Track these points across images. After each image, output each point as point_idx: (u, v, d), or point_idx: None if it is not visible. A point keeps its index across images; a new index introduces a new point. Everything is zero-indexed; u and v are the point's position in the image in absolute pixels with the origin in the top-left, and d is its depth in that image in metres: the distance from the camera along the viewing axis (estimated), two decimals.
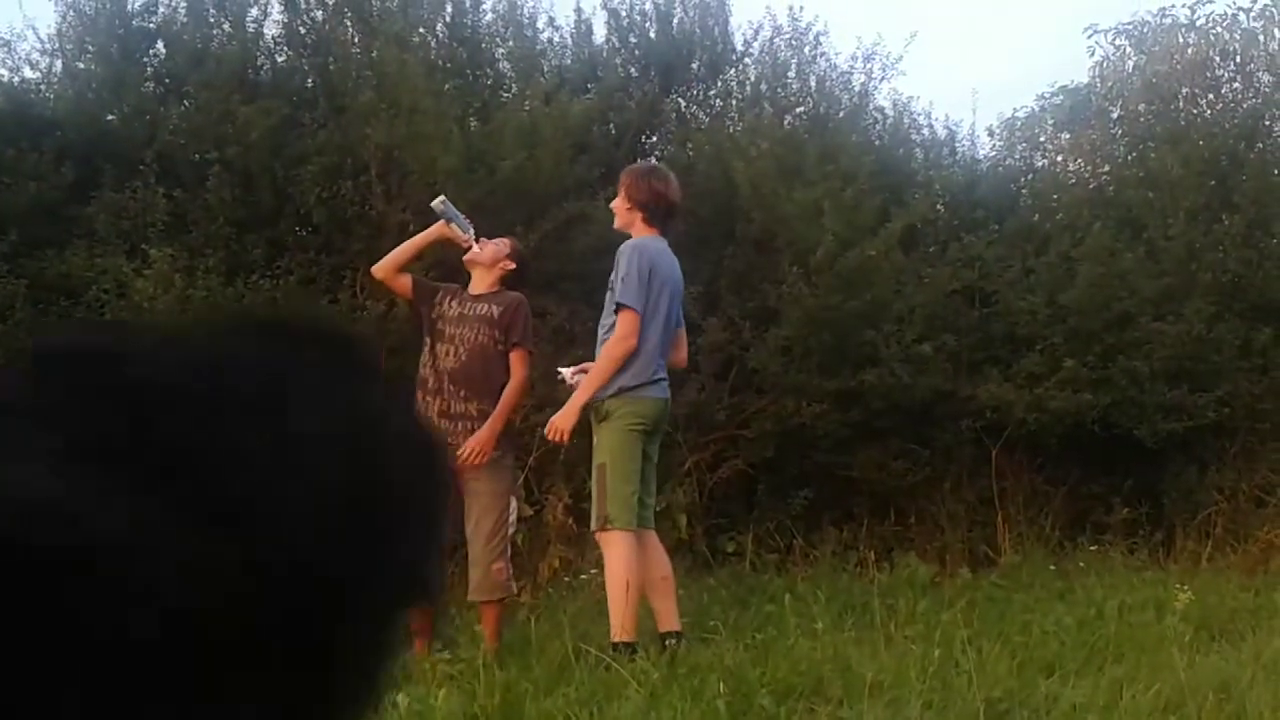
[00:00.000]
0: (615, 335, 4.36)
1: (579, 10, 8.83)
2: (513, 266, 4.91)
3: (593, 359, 4.66)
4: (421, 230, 5.14)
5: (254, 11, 7.94)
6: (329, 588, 0.69)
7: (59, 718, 0.57)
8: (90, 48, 7.70)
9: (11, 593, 0.55)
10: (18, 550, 0.55)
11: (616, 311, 4.36)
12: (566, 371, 4.71)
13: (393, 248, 5.23)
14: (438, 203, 4.84)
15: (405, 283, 4.99)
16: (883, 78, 8.99)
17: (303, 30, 8.15)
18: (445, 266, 5.87)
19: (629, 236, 4.67)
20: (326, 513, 0.67)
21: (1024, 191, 9.56)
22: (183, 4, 7.87)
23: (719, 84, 9.05)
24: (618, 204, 4.58)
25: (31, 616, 0.57)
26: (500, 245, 4.95)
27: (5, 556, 0.56)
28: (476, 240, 4.88)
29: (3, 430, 0.58)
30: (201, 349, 0.67)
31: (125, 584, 0.59)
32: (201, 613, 0.60)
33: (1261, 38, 10.02)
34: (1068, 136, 10.71)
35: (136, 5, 7.77)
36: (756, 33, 8.97)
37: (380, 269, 4.98)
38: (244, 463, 0.62)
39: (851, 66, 9.00)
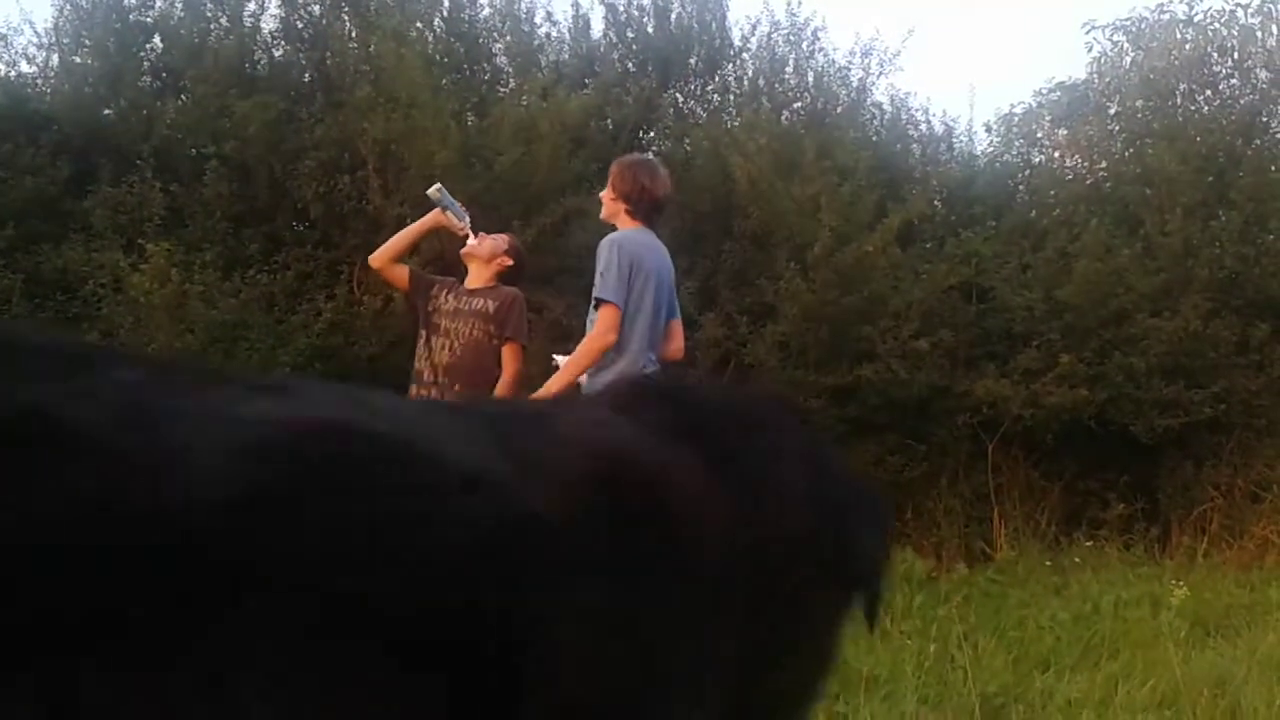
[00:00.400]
0: (595, 329, 4.32)
1: (577, 5, 8.85)
2: (510, 263, 4.90)
3: None
4: (439, 227, 5.10)
5: (251, 6, 7.94)
6: (808, 556, 1.21)
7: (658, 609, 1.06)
8: (87, 42, 7.69)
9: (619, 508, 1.00)
10: (629, 473, 1.05)
11: (596, 307, 4.33)
12: (561, 359, 4.69)
13: None
14: (433, 190, 4.82)
15: (402, 274, 4.97)
16: (880, 73, 9.01)
17: (300, 24, 8.14)
18: (443, 262, 5.87)
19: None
20: (804, 502, 1.21)
21: (1021, 187, 9.56)
22: None
23: (716, 79, 9.05)
24: (605, 194, 4.56)
25: (632, 527, 1.04)
26: (499, 241, 4.94)
27: (618, 479, 1.04)
28: (473, 231, 4.86)
29: (621, 416, 1.12)
30: (728, 397, 1.30)
31: (684, 516, 1.06)
32: (722, 545, 1.13)
33: (1259, 34, 10.00)
34: (1065, 132, 10.68)
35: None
36: (754, 28, 8.98)
37: (377, 258, 4.96)
38: (758, 458, 1.14)
39: (849, 62, 9.02)
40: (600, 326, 4.31)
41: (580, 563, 1.04)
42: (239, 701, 0.83)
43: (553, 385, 4.38)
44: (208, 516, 0.83)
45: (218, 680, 0.82)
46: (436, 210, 4.81)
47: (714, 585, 1.13)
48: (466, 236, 4.83)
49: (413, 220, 5.22)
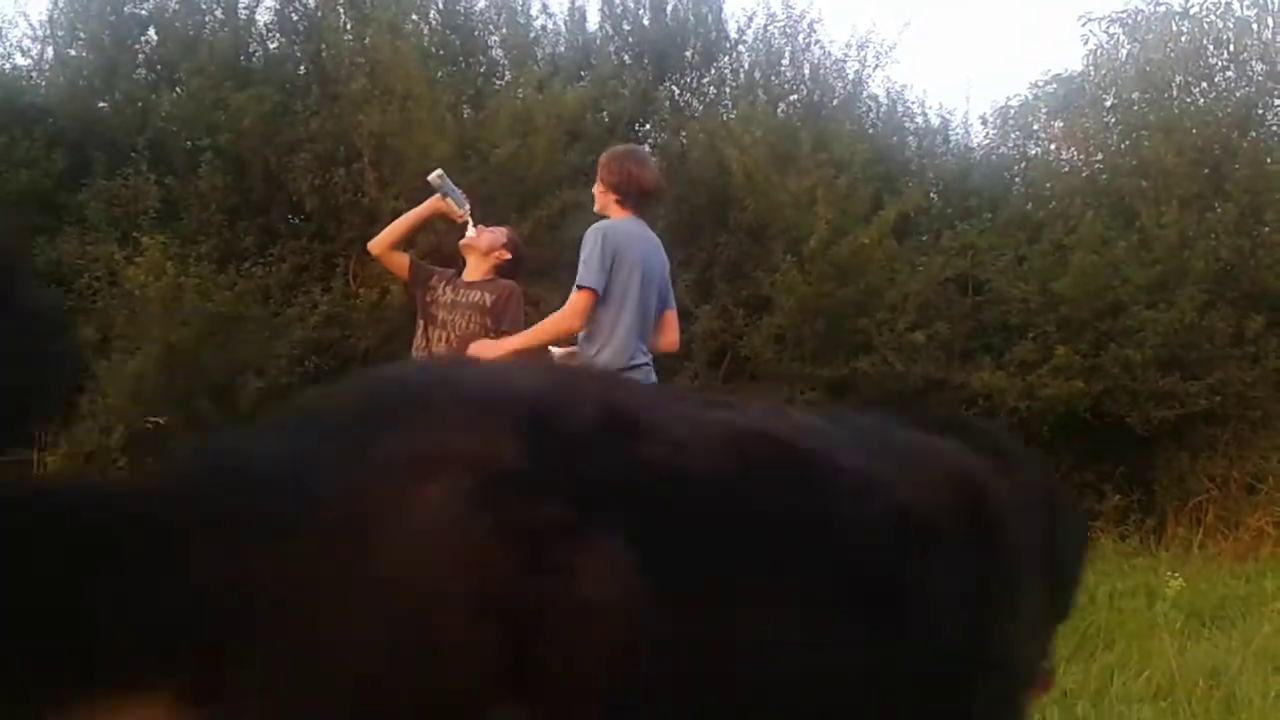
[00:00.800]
0: (562, 310, 4.29)
1: None
2: (508, 256, 4.89)
3: None
4: (439, 214, 5.07)
5: None
6: (1044, 566, 1.59)
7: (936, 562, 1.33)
8: (82, 34, 7.67)
9: (968, 508, 1.36)
10: (974, 479, 1.43)
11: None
12: (558, 352, 4.68)
13: None
14: (434, 176, 4.79)
15: (402, 262, 4.96)
16: (876, 66, 9.04)
17: (295, 17, 8.12)
18: (439, 254, 5.86)
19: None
20: (1042, 520, 1.62)
21: (1017, 180, 9.57)
22: None
23: (713, 72, 9.05)
24: (596, 188, 4.54)
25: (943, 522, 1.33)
26: (497, 234, 4.93)
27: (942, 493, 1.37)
28: (473, 222, 4.84)
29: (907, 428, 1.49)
30: (983, 427, 1.87)
31: (1000, 519, 1.41)
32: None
33: (1255, 26, 10.01)
34: (1061, 125, 10.70)
35: None
36: (750, 20, 8.99)
37: (376, 245, 4.94)
38: (1018, 479, 1.51)
39: (845, 54, 9.03)
40: (567, 309, 4.26)
41: (947, 551, 1.38)
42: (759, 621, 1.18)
43: (509, 345, 4.37)
44: (726, 484, 1.19)
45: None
46: (436, 196, 4.79)
47: (1012, 579, 1.50)
48: (466, 223, 4.81)
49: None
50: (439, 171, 4.83)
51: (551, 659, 0.95)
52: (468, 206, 4.81)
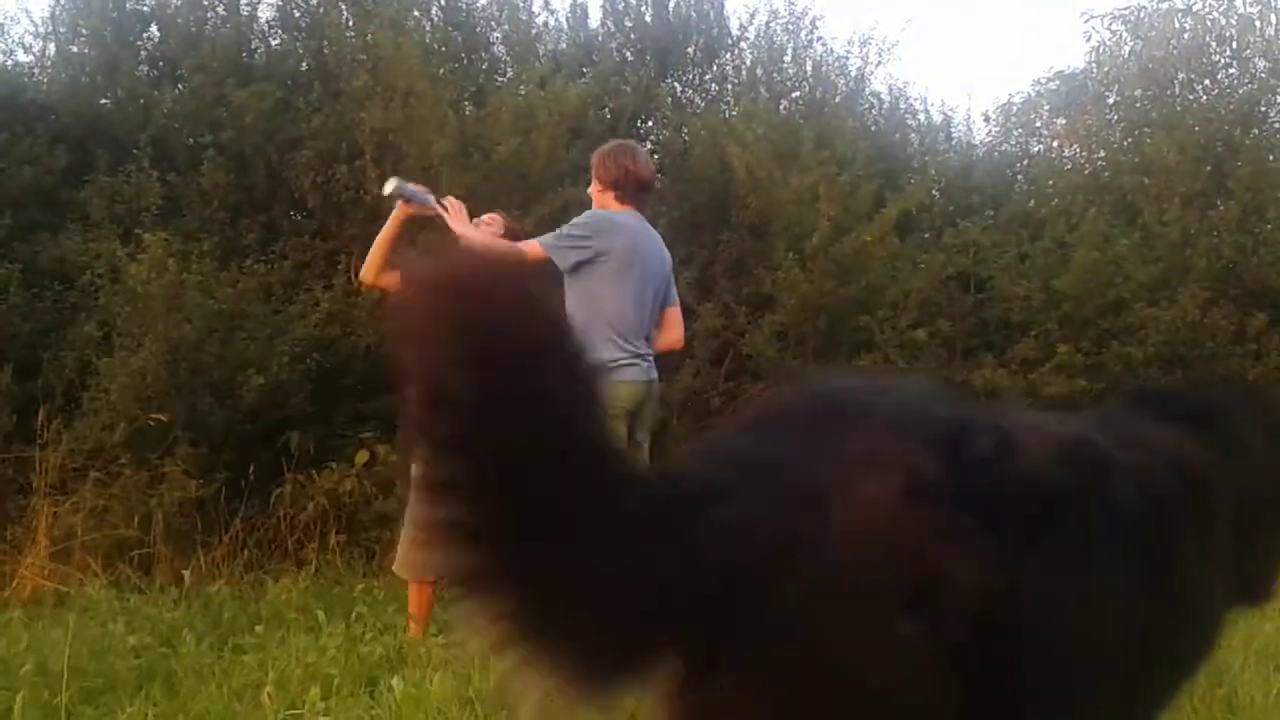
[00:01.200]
0: (518, 245, 4.29)
1: None
2: None
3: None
4: (410, 218, 4.97)
5: None
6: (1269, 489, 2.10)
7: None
8: (84, 31, 7.68)
9: (1189, 484, 1.85)
10: (1191, 461, 1.89)
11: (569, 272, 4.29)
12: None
13: None
14: (388, 189, 4.62)
15: (396, 281, 4.88)
16: (879, 63, 9.05)
17: (297, 13, 8.12)
18: None
19: None
20: (1266, 450, 2.11)
21: (1019, 177, 9.57)
22: None
23: (715, 68, 9.05)
24: (593, 187, 4.51)
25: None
26: (493, 224, 4.85)
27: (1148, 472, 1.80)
28: (446, 207, 4.69)
29: (1130, 415, 2.00)
30: (1203, 390, 2.35)
31: (1204, 485, 1.89)
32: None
33: (1258, 23, 10.02)
34: (1063, 122, 10.72)
35: None
36: (752, 17, 9.03)
37: (366, 276, 4.76)
38: (1229, 428, 2.09)
39: (848, 51, 9.05)
40: (520, 248, 4.24)
41: (1182, 527, 1.78)
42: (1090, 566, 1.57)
43: (462, 230, 4.42)
44: (1056, 475, 1.55)
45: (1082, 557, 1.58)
46: (400, 205, 4.65)
47: (1219, 520, 1.90)
48: (442, 212, 4.69)
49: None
50: (391, 181, 4.65)
51: (935, 595, 1.33)
52: (432, 198, 4.66)
